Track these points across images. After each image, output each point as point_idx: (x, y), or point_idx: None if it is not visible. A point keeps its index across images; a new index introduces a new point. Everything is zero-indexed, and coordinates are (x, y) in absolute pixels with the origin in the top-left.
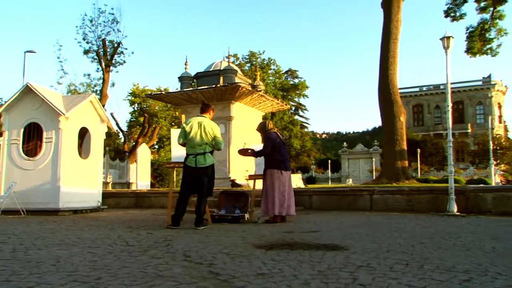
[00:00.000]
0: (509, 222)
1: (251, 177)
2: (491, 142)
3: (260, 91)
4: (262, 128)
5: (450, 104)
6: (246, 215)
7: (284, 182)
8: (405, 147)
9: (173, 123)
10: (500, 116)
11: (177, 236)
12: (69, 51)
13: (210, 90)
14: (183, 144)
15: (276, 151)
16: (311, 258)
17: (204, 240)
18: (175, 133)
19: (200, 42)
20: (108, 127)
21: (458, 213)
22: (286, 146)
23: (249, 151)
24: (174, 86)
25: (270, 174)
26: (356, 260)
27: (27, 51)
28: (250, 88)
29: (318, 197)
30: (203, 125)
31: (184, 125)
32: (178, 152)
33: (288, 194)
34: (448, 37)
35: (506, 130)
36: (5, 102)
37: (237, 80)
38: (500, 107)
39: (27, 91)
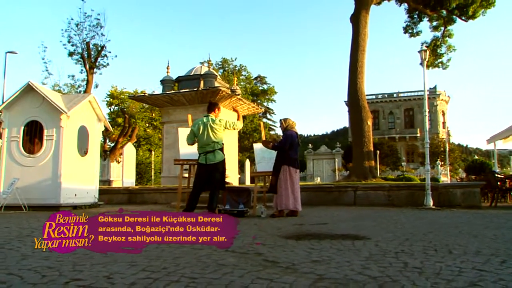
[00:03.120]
0: (481, 214)
1: (254, 174)
2: (447, 145)
3: (238, 95)
4: (281, 125)
5: (427, 109)
6: (250, 210)
7: (298, 179)
8: (371, 148)
9: (149, 124)
10: (444, 123)
11: None
12: (52, 53)
13: (192, 93)
14: (191, 144)
15: (293, 149)
16: (345, 247)
17: None
18: (182, 131)
19: (176, 48)
20: (105, 126)
21: (434, 207)
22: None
23: (271, 144)
24: (150, 88)
25: (287, 170)
26: (388, 247)
27: (8, 52)
28: (229, 92)
29: (306, 193)
30: (209, 125)
31: (192, 127)
32: (185, 150)
33: (297, 190)
34: (425, 50)
35: (448, 135)
36: (6, 100)
37: (216, 84)
38: (443, 114)
39: (28, 90)
